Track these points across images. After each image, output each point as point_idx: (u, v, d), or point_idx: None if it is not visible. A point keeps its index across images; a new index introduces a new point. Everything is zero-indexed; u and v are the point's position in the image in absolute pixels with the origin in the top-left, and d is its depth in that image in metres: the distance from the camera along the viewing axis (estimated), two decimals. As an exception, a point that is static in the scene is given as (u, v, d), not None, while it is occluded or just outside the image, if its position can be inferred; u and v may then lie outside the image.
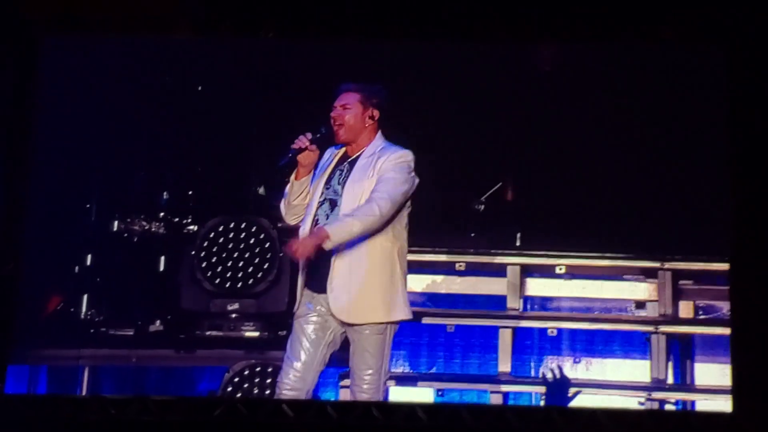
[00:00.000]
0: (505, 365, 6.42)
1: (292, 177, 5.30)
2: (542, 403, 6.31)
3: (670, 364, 6.34)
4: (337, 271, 5.15)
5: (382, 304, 5.21)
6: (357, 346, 5.20)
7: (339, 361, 5.39)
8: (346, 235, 5.10)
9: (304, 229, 5.23)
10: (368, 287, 5.19)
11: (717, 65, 5.88)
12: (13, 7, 6.00)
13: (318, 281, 5.20)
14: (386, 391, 6.02)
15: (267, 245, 6.63)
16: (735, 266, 5.56)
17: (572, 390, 6.27)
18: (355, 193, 5.22)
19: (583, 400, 6.25)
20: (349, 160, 5.32)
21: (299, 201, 5.32)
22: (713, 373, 6.30)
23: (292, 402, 5.25)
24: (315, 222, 5.23)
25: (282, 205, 5.37)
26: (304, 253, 5.12)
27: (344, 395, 6.04)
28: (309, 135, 5.27)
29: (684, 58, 6.38)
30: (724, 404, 5.80)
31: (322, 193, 5.27)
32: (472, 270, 6.58)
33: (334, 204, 5.25)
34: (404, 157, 5.28)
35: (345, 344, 5.25)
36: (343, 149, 5.35)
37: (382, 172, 5.22)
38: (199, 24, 6.02)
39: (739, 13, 5.69)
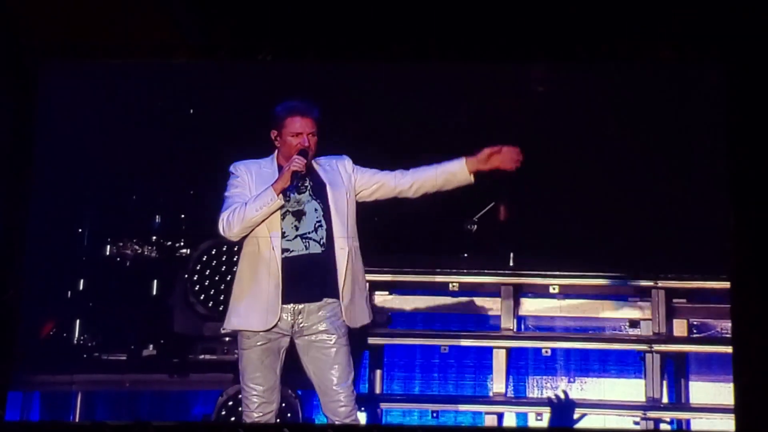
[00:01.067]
0: (499, 386, 6.42)
1: (278, 196, 5.39)
2: (539, 423, 6.31)
3: (665, 382, 6.35)
4: (343, 276, 5.36)
5: (368, 306, 5.47)
6: (325, 360, 5.31)
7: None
8: None
9: (274, 248, 5.36)
10: (364, 290, 5.44)
11: (714, 83, 5.92)
12: (12, 33, 6.00)
13: (305, 290, 5.33)
14: (381, 414, 6.05)
15: (260, 268, 6.61)
16: (736, 284, 5.59)
17: (578, 411, 6.27)
18: (341, 196, 5.47)
19: (580, 421, 6.26)
20: (306, 173, 5.45)
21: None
22: (708, 392, 6.32)
23: (293, 426, 5.25)
24: (283, 235, 5.38)
25: (238, 222, 5.41)
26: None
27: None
28: (303, 159, 5.40)
29: (681, 76, 6.42)
30: (720, 423, 5.82)
31: (283, 207, 5.39)
32: (466, 290, 6.59)
33: (299, 215, 5.44)
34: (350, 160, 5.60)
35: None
36: (276, 163, 5.50)
37: (356, 172, 5.54)
38: (197, 48, 6.04)
39: (738, 32, 5.73)
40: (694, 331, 6.47)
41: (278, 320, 5.37)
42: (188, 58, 6.20)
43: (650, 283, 6.45)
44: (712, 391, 6.28)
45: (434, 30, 6.12)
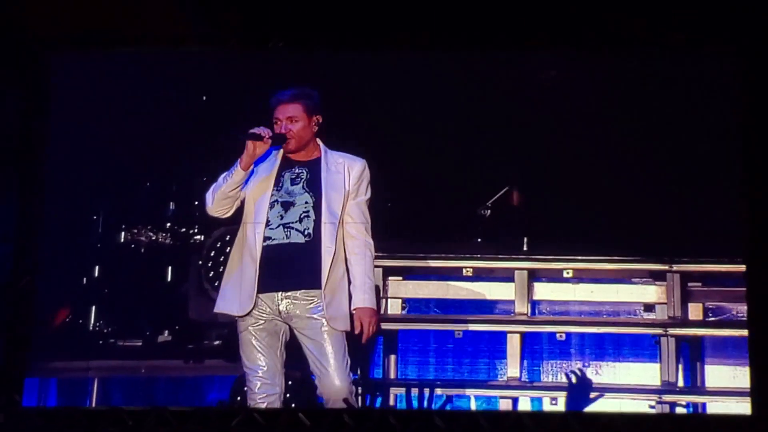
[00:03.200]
0: (514, 370, 6.43)
1: (238, 165, 5.50)
2: (554, 408, 6.32)
3: (680, 366, 6.35)
4: (327, 274, 5.42)
5: (348, 314, 5.54)
6: (317, 344, 5.41)
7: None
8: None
9: (256, 235, 5.46)
10: (345, 292, 5.51)
11: (727, 69, 5.92)
12: (22, 24, 6.01)
13: (285, 278, 5.41)
14: (396, 399, 6.07)
15: (272, 253, 6.61)
16: (751, 268, 5.59)
17: (593, 394, 6.27)
18: (337, 199, 5.52)
19: (595, 404, 6.26)
20: (304, 163, 5.54)
21: (234, 193, 5.54)
22: (724, 375, 6.32)
23: (307, 411, 5.28)
24: (267, 223, 5.47)
25: (212, 195, 5.56)
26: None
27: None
28: (269, 131, 5.49)
29: (695, 63, 6.41)
30: (735, 406, 5.84)
31: (272, 195, 5.49)
32: (480, 275, 6.59)
33: (287, 206, 5.53)
34: (366, 169, 5.62)
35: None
36: (281, 153, 5.55)
37: (359, 192, 5.57)
38: (207, 37, 6.05)
39: (752, 17, 5.73)
40: (710, 314, 6.45)
41: (254, 306, 5.45)
42: (199, 47, 6.21)
43: (665, 267, 6.44)
44: (728, 375, 6.29)
45: (447, 19, 6.13)
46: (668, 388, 6.28)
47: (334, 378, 5.39)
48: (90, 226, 6.72)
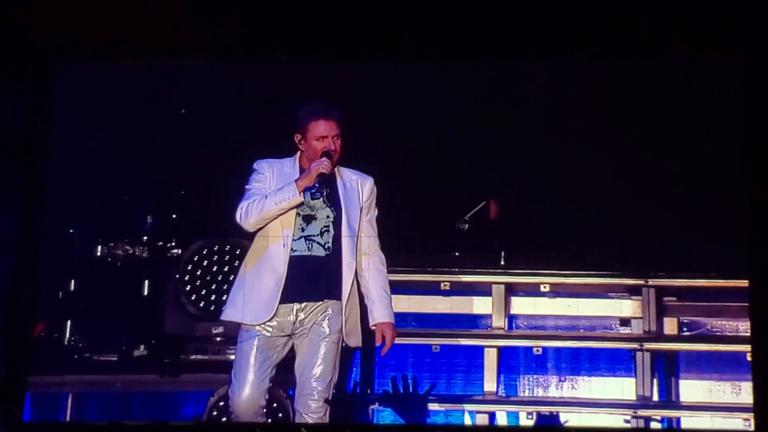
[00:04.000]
0: (490, 384, 6.43)
1: (295, 190, 5.52)
2: (530, 422, 6.31)
3: (656, 380, 6.36)
4: (347, 280, 5.51)
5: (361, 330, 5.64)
6: (311, 353, 5.45)
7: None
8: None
9: (284, 246, 5.48)
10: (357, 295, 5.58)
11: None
12: (26, 33, 6.04)
13: (305, 290, 5.45)
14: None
15: (251, 268, 6.61)
16: (754, 283, 5.60)
17: (569, 410, 6.28)
18: (354, 215, 5.60)
19: (571, 419, 6.26)
20: (325, 178, 5.53)
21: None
22: (698, 390, 6.33)
23: (311, 426, 5.33)
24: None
25: (256, 212, 5.52)
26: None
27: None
28: (328, 161, 5.54)
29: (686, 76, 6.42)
30: (707, 422, 5.86)
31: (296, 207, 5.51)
32: (457, 289, 6.60)
33: (309, 219, 5.57)
34: (374, 186, 5.68)
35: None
36: (298, 166, 5.60)
37: (370, 208, 5.67)
38: (211, 49, 6.07)
39: (754, 27, 5.72)
40: (684, 329, 6.47)
41: (274, 316, 5.46)
42: (203, 59, 6.25)
43: (641, 282, 6.46)
44: (702, 389, 6.30)
45: (450, 30, 6.15)
46: (643, 402, 6.29)
47: (314, 389, 5.43)
48: (67, 240, 6.71)
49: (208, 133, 6.75)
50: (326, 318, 5.52)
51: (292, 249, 5.52)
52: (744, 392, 6.26)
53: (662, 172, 6.54)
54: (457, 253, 6.71)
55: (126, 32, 6.17)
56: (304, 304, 5.51)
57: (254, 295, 5.51)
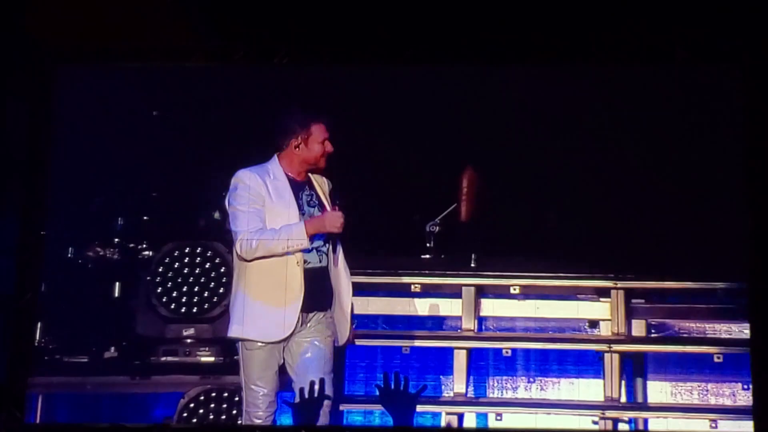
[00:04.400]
0: (460, 386, 6.46)
1: (305, 236, 5.60)
2: (499, 424, 6.34)
3: (623, 382, 6.40)
4: (350, 287, 5.72)
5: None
6: (310, 361, 5.55)
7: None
8: None
9: (298, 261, 5.59)
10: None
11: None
12: (27, 37, 6.05)
13: (317, 300, 5.60)
14: (343, 415, 6.08)
15: (222, 270, 6.62)
16: (753, 286, 5.64)
17: (538, 411, 6.32)
18: None
19: (539, 421, 6.30)
20: (304, 183, 5.66)
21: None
22: (665, 391, 6.37)
23: (311, 427, 5.47)
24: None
25: (263, 248, 5.55)
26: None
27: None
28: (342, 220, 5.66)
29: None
30: (674, 423, 5.90)
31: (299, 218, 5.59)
32: (428, 291, 6.62)
33: None
34: None
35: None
36: (282, 170, 5.62)
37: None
38: (213, 51, 6.09)
39: (753, 31, 5.75)
40: (652, 331, 6.51)
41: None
42: (206, 62, 6.27)
43: (609, 284, 6.49)
44: (669, 391, 6.34)
45: (450, 34, 6.18)
46: (611, 403, 6.32)
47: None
48: (39, 241, 6.70)
49: (180, 135, 6.75)
50: (327, 322, 5.69)
51: (305, 261, 5.59)
52: (710, 394, 6.32)
53: (631, 173, 6.57)
54: (427, 256, 6.73)
55: (127, 36, 6.18)
56: (318, 312, 5.66)
57: (272, 312, 5.57)
